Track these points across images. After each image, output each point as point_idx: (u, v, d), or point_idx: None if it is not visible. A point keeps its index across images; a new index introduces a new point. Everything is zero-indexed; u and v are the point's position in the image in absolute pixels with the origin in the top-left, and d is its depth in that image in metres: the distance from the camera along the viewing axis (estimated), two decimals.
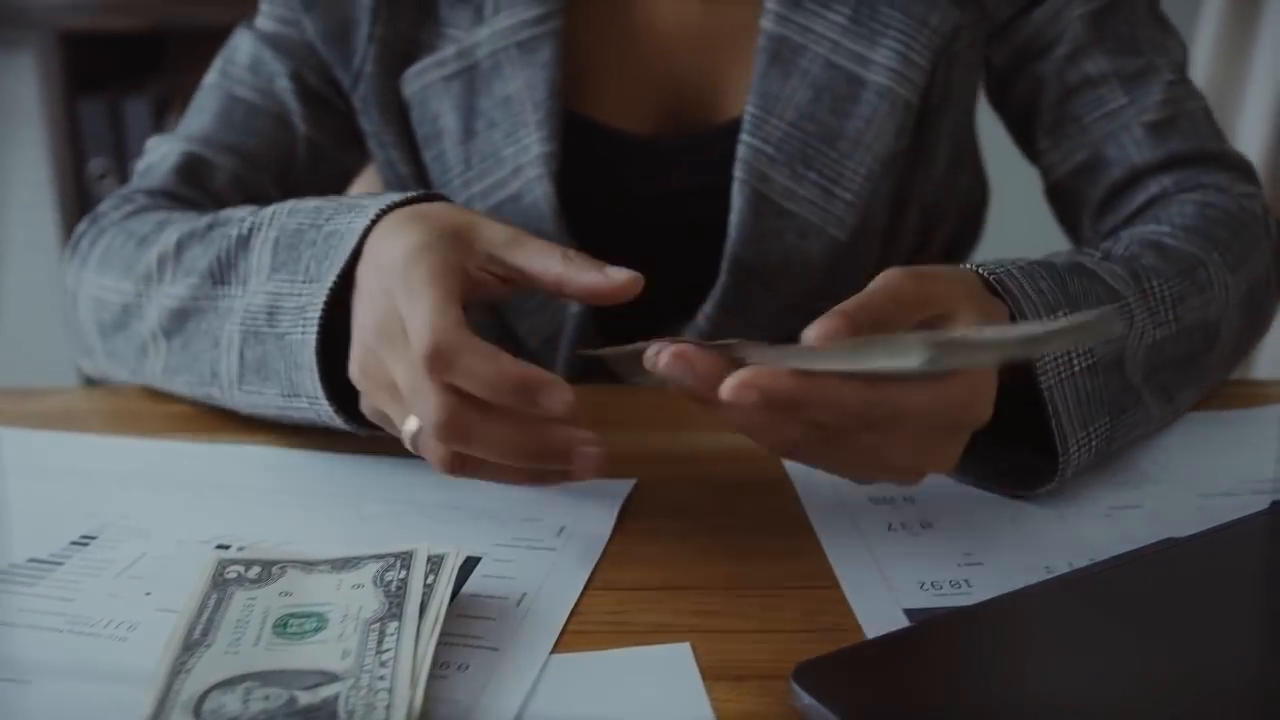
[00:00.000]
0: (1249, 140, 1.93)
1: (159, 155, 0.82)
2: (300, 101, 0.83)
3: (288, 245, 0.61)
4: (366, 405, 0.57)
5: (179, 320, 0.66)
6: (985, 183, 1.02)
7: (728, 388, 0.45)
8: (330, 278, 0.58)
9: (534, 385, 0.48)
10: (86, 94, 1.80)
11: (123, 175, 1.80)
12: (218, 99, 0.84)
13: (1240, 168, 0.80)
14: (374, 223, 0.57)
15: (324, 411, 0.59)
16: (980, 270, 0.57)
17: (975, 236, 1.02)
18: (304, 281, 0.60)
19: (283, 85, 0.83)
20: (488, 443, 0.50)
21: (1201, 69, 1.92)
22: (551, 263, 0.54)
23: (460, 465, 0.52)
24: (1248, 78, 1.94)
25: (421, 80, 0.81)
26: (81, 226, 0.78)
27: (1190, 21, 1.91)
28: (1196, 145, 0.79)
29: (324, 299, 0.58)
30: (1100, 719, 0.41)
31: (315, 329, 0.58)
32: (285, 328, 0.60)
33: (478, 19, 0.80)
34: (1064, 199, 0.84)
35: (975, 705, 0.42)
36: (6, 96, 1.97)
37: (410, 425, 0.52)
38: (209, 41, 0.87)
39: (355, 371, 0.56)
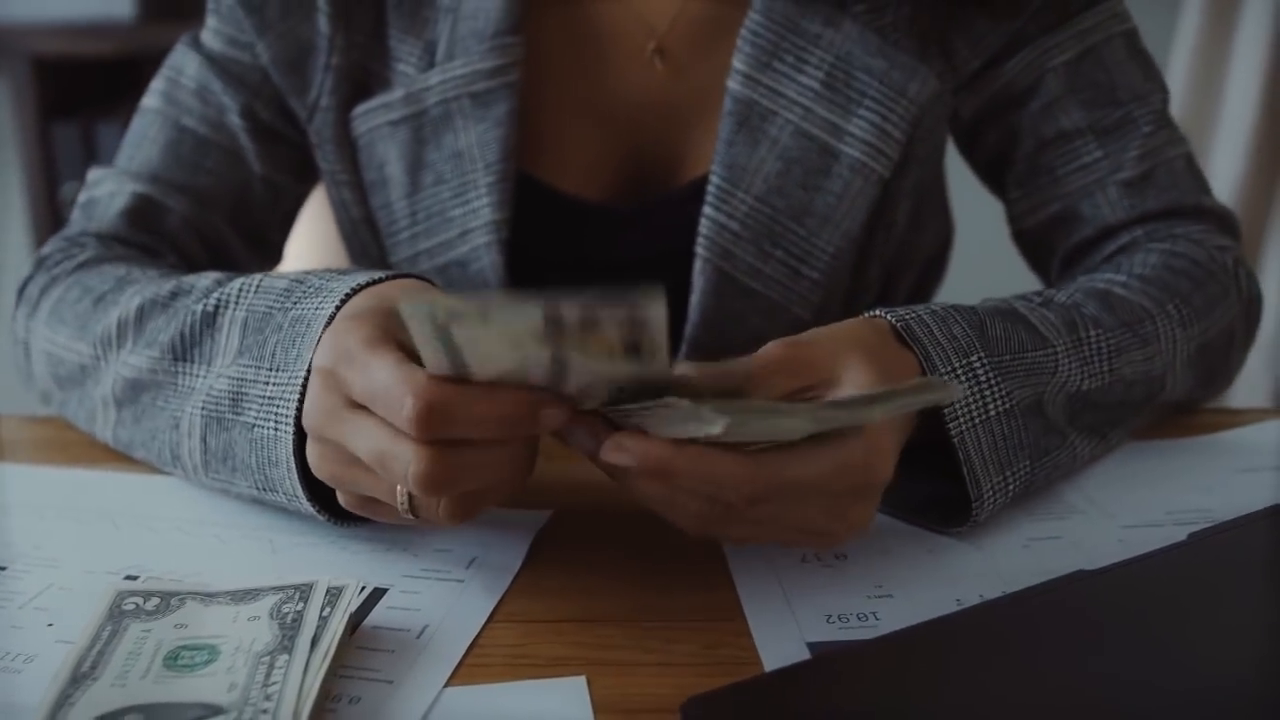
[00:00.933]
0: (1227, 146, 1.94)
1: (105, 192, 0.79)
2: (252, 139, 0.79)
3: (255, 329, 0.58)
4: (344, 499, 0.52)
5: (133, 391, 0.63)
6: (950, 223, 1.00)
7: (605, 448, 0.47)
8: (300, 369, 0.54)
9: (535, 408, 0.46)
10: (60, 118, 1.81)
11: None
12: (164, 129, 0.79)
13: (1219, 219, 0.78)
14: (341, 306, 0.54)
15: (304, 509, 0.56)
16: (889, 318, 0.57)
17: (939, 276, 1.00)
18: (270, 369, 0.56)
19: (234, 121, 0.78)
20: (478, 464, 0.48)
21: (1178, 75, 1.93)
22: None
23: (465, 510, 0.49)
24: (1226, 79, 1.94)
25: (368, 122, 0.77)
26: (27, 272, 0.75)
27: (1168, 27, 1.92)
28: (1173, 199, 0.76)
29: (298, 395, 0.53)
30: None
31: (291, 427, 0.54)
32: (253, 418, 0.56)
33: (428, 59, 0.76)
34: (1033, 246, 0.82)
35: None
36: None
37: (402, 495, 0.49)
38: None
39: (315, 464, 0.52)
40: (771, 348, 0.52)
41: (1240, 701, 0.44)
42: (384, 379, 0.47)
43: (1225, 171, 1.95)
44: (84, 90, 1.87)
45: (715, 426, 0.43)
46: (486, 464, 0.48)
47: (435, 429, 0.45)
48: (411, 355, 0.48)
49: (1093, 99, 0.77)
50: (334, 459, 0.51)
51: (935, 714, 0.43)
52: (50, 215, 1.81)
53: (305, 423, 0.52)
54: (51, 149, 1.81)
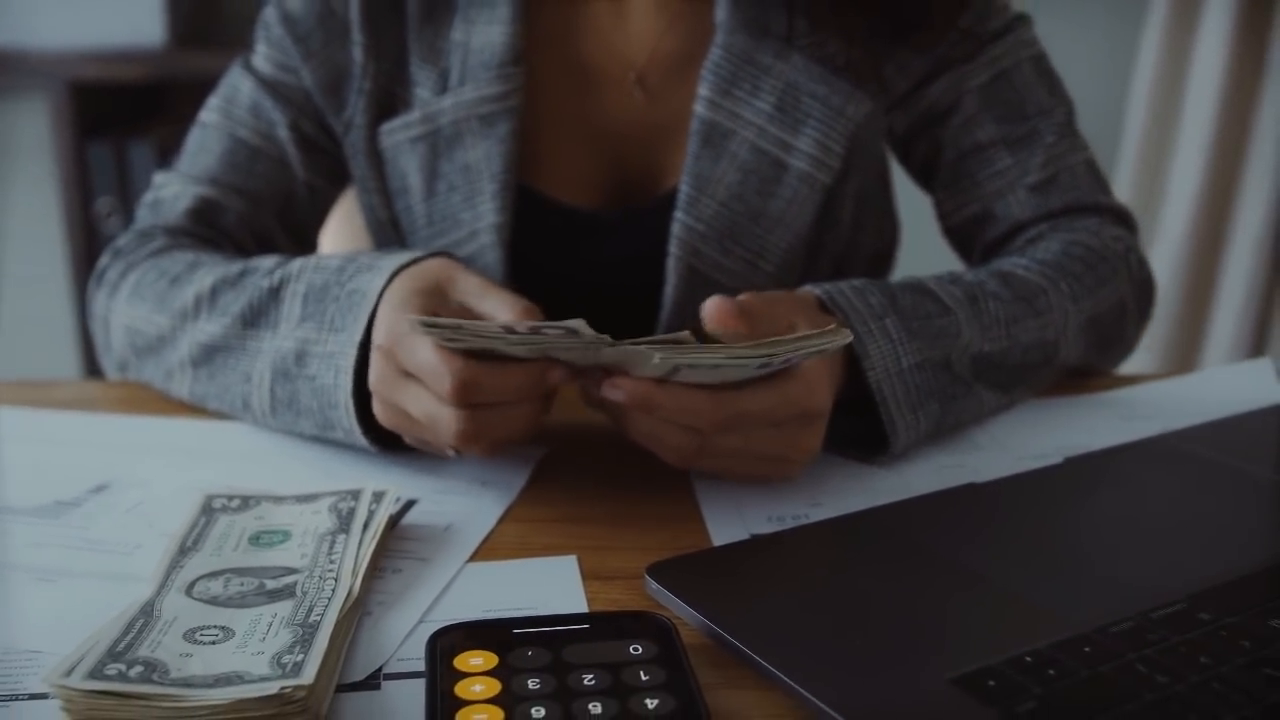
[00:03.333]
0: (1189, 148, 2.06)
1: (170, 194, 0.91)
2: (298, 149, 0.91)
3: (315, 299, 0.71)
4: (407, 439, 0.67)
5: (207, 354, 0.77)
6: (896, 223, 1.12)
7: (604, 386, 0.61)
8: (357, 332, 0.68)
9: (539, 375, 0.62)
10: (94, 138, 1.93)
11: (127, 213, 1.93)
12: (222, 140, 0.91)
13: (1115, 214, 0.92)
14: (389, 282, 0.68)
15: (359, 442, 0.70)
16: (816, 291, 0.71)
17: (887, 271, 1.11)
18: (329, 331, 0.70)
19: (282, 134, 0.90)
20: (502, 420, 0.62)
21: (1143, 81, 2.06)
22: (503, 311, 0.65)
23: (494, 450, 0.64)
24: (1187, 84, 2.08)
25: (392, 138, 0.90)
26: (105, 260, 0.88)
27: (1133, 32, 2.06)
28: (1074, 198, 0.90)
29: (355, 353, 0.68)
30: (886, 613, 0.54)
31: (350, 378, 0.68)
32: (314, 370, 0.70)
33: (442, 85, 0.89)
34: (959, 240, 0.97)
35: (784, 593, 0.55)
36: (20, 139, 2.11)
37: (449, 443, 0.63)
38: (207, 91, 0.96)
39: (381, 417, 0.66)
40: (763, 296, 0.66)
41: (1091, 578, 0.57)
42: (429, 359, 0.61)
43: (1187, 171, 2.08)
44: (116, 112, 1.98)
45: (654, 359, 0.57)
46: (508, 418, 0.63)
47: (468, 398, 0.61)
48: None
49: (1004, 115, 0.91)
50: (395, 414, 0.66)
51: (843, 579, 0.56)
52: (84, 227, 1.95)
53: (371, 386, 0.66)
54: (86, 167, 1.93)
